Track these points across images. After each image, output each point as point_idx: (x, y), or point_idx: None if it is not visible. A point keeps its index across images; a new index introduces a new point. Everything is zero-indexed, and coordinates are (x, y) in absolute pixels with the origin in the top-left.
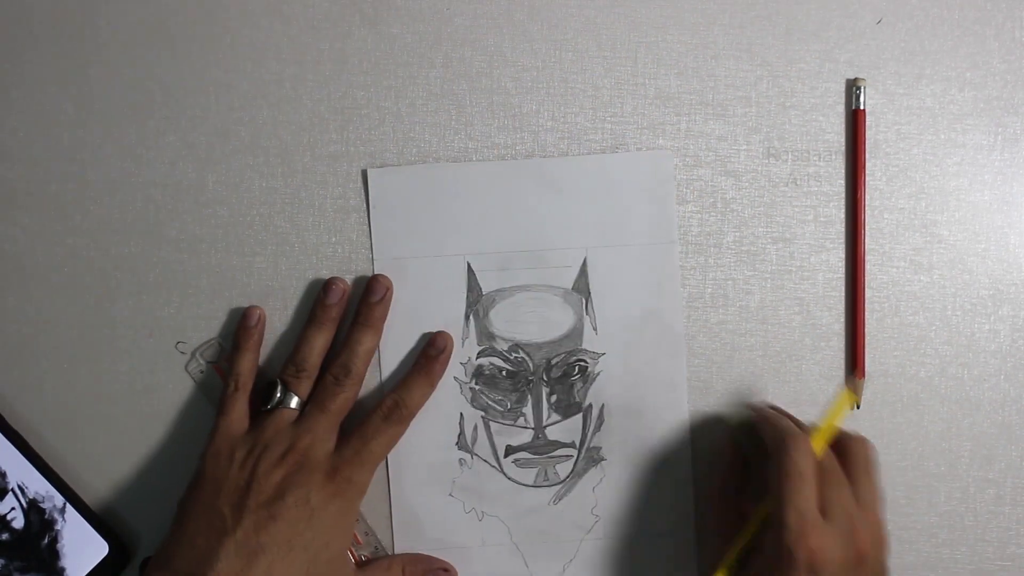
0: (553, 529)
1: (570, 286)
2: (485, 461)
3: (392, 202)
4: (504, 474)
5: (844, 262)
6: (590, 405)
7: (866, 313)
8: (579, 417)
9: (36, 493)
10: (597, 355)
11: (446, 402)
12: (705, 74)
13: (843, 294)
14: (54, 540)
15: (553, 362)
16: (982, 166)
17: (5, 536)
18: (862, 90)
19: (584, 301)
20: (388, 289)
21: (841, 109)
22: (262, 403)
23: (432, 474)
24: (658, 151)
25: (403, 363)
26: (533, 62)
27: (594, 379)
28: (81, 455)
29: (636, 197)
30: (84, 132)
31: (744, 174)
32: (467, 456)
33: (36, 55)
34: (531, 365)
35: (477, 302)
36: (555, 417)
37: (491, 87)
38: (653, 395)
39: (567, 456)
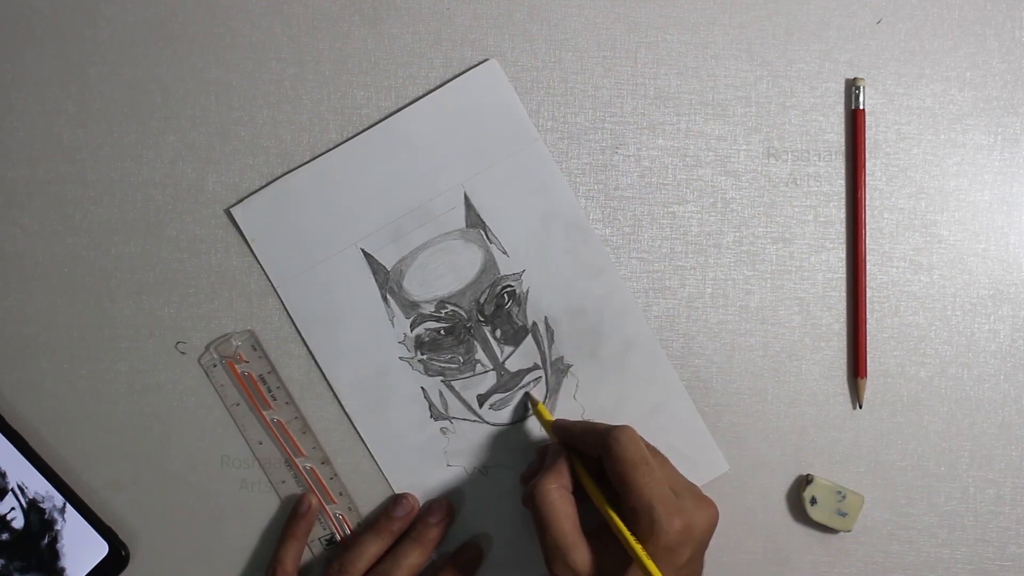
0: None
1: (463, 225)
2: (464, 420)
3: (267, 227)
4: (487, 423)
5: (844, 262)
6: (534, 323)
7: (866, 313)
8: (529, 339)
9: (36, 493)
10: (518, 275)
11: (403, 383)
12: (705, 74)
13: (843, 294)
14: (54, 540)
15: (482, 300)
16: (982, 166)
17: (5, 536)
18: (862, 90)
19: (483, 232)
20: (448, 515)
21: (841, 109)
22: None
23: (422, 454)
24: (482, 64)
25: (340, 365)
26: (533, 62)
27: (526, 298)
28: (81, 455)
29: (482, 115)
30: (84, 132)
31: (744, 174)
32: (446, 423)
33: (36, 55)
34: (463, 313)
35: (387, 280)
36: (508, 349)
37: None
38: (586, 287)
39: (536, 379)
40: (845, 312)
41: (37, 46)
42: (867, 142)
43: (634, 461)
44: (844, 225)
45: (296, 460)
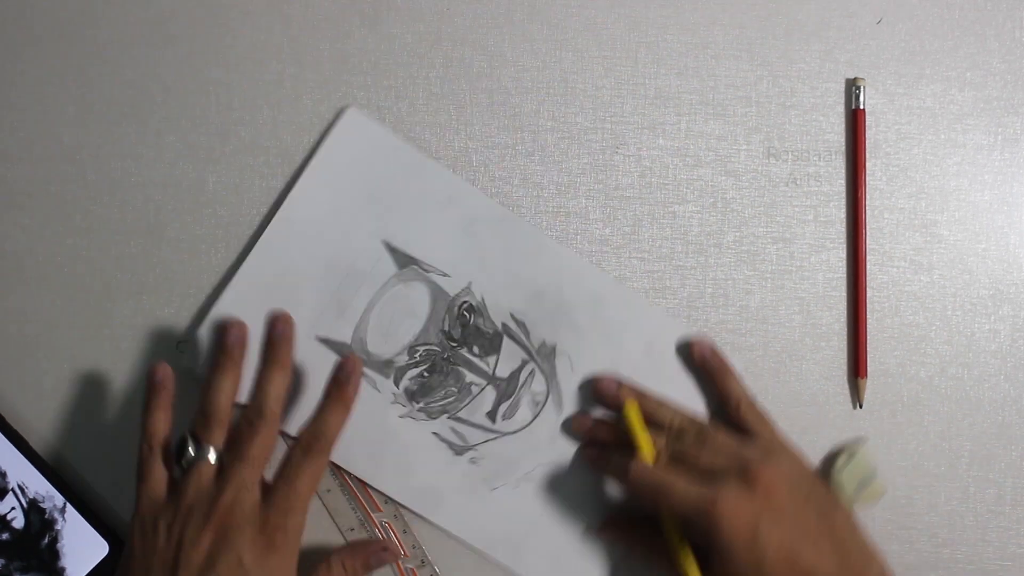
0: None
1: (396, 269)
2: (487, 442)
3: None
4: (508, 435)
5: (844, 262)
6: (503, 324)
7: (866, 313)
8: (506, 340)
9: (36, 493)
10: (467, 288)
11: (415, 438)
12: (705, 74)
13: (843, 294)
14: (54, 540)
15: (446, 328)
16: (982, 166)
17: (5, 536)
18: (862, 90)
19: (417, 267)
20: (287, 324)
21: (841, 109)
22: (176, 461)
23: (463, 491)
24: (342, 117)
25: (351, 450)
26: (533, 62)
27: (485, 306)
28: (81, 455)
29: (365, 163)
30: (84, 132)
31: (744, 174)
32: (472, 453)
33: (36, 55)
34: (436, 347)
35: (362, 351)
36: (492, 359)
37: (491, 87)
38: (533, 269)
39: (531, 372)
40: (845, 312)
41: (37, 46)
42: (867, 142)
43: (652, 490)
44: (844, 225)
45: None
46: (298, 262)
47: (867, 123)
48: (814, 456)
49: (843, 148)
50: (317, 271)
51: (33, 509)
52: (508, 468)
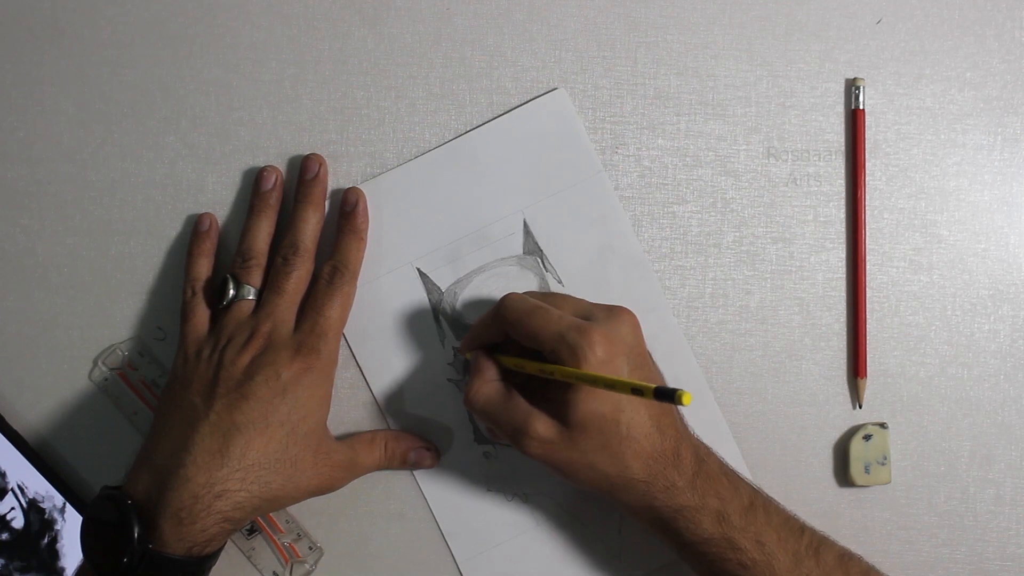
0: None
1: (521, 251)
2: (507, 445)
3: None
4: None
5: (844, 262)
6: None
7: (866, 313)
8: None
9: (36, 493)
10: None
11: (450, 405)
12: (705, 74)
13: (843, 294)
14: (54, 540)
15: None
16: (982, 166)
17: (5, 536)
18: (861, 90)
19: (539, 260)
20: (321, 165)
21: (841, 109)
22: (218, 301)
23: (463, 477)
24: (550, 92)
25: (388, 381)
26: (533, 62)
27: None
28: (81, 455)
29: (548, 144)
30: (84, 132)
31: (744, 174)
32: (489, 448)
33: (36, 55)
34: None
35: (440, 301)
36: None
37: (491, 87)
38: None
39: None
40: (845, 312)
41: (37, 46)
42: (867, 142)
43: (527, 311)
44: (844, 225)
45: None
46: (438, 195)
47: (867, 123)
48: (815, 455)
49: (843, 148)
50: (451, 212)
51: (33, 509)
52: (513, 479)
